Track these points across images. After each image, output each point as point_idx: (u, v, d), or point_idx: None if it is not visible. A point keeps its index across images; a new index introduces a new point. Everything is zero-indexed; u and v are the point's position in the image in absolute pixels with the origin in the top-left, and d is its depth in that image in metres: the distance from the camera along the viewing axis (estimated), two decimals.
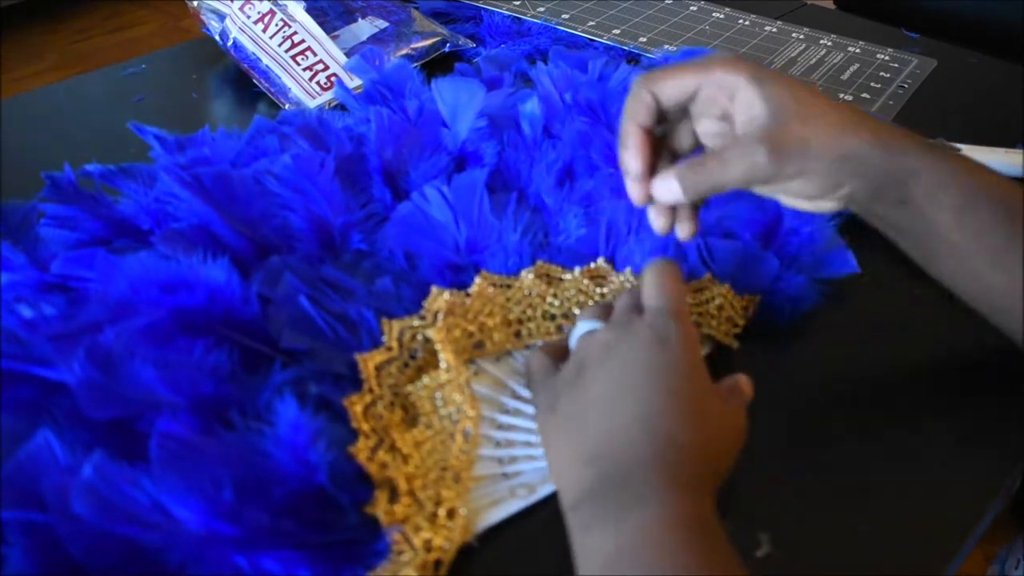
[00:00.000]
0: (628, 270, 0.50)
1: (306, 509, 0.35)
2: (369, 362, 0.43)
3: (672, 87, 0.43)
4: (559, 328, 0.47)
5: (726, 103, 0.42)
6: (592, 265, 0.50)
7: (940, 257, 0.42)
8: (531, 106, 0.61)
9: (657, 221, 0.45)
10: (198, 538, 0.33)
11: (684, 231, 0.45)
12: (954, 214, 0.41)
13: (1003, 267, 0.41)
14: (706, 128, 0.45)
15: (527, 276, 0.49)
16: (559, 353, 0.43)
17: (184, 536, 0.33)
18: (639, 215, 0.53)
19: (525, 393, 0.44)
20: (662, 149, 0.45)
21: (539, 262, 0.50)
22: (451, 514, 0.38)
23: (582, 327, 0.42)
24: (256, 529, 0.34)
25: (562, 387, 0.40)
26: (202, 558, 0.33)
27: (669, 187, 0.42)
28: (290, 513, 0.35)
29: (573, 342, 0.42)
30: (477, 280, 0.48)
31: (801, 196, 0.43)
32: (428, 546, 0.36)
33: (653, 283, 0.41)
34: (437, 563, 0.36)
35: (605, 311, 0.43)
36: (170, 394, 0.38)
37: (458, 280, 0.49)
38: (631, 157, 0.43)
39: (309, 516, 0.35)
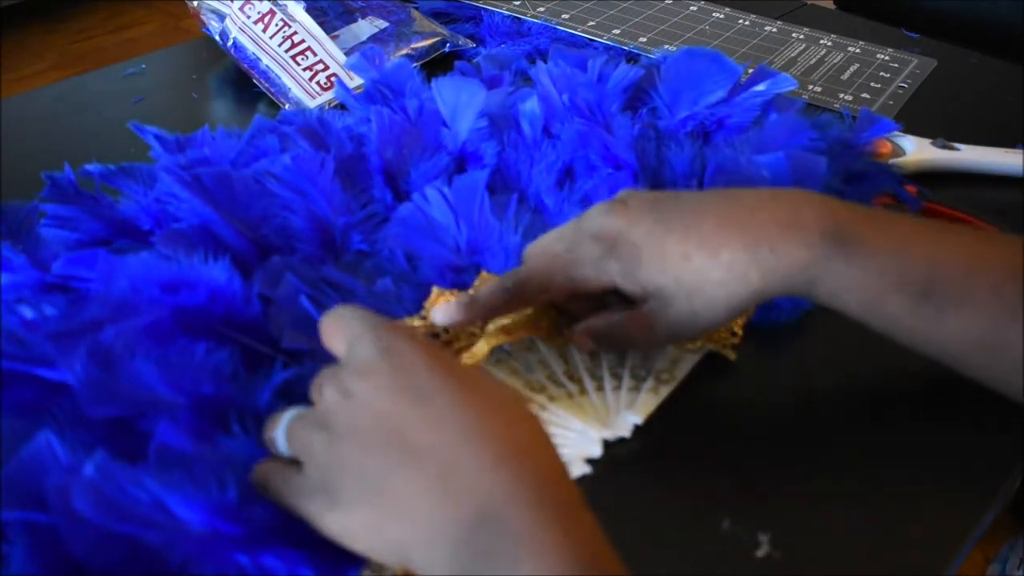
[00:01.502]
0: None
1: None
2: None
3: (550, 297, 0.44)
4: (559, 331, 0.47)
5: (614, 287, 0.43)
6: None
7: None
8: (531, 105, 0.61)
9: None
10: (200, 537, 0.33)
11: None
12: (862, 311, 0.41)
13: (930, 344, 0.41)
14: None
15: None
16: (274, 460, 0.36)
17: (186, 535, 0.33)
18: None
19: (528, 392, 0.45)
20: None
21: None
22: None
23: (287, 417, 0.35)
24: (258, 528, 0.34)
25: (323, 473, 0.33)
26: (204, 556, 0.33)
27: (583, 342, 0.44)
28: (290, 512, 0.35)
29: (282, 441, 0.35)
30: (476, 283, 0.48)
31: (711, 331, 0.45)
32: None
33: (327, 331, 0.36)
34: None
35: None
36: (171, 394, 0.38)
37: (459, 281, 0.49)
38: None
39: None
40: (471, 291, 0.47)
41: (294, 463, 0.34)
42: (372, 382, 0.33)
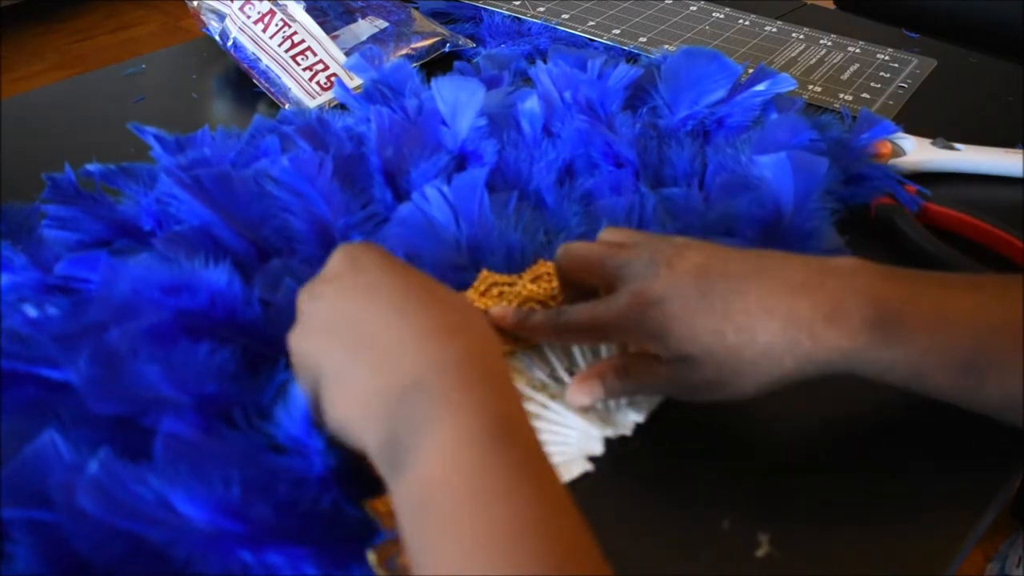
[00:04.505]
0: None
1: (310, 505, 0.36)
2: None
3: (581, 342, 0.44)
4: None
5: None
6: None
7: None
8: (531, 104, 0.61)
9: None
10: (204, 534, 0.33)
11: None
12: (905, 387, 0.40)
13: (974, 406, 0.40)
14: None
15: (527, 278, 0.49)
16: None
17: (190, 532, 0.33)
18: (639, 212, 0.53)
19: (530, 390, 0.45)
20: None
21: (540, 260, 0.50)
22: None
23: None
24: (262, 525, 0.34)
25: (305, 367, 0.38)
26: (208, 553, 0.33)
27: (591, 390, 0.43)
28: (295, 510, 0.35)
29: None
30: (476, 282, 0.48)
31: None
32: None
33: None
34: None
35: None
36: (174, 393, 0.38)
37: (460, 279, 0.49)
38: None
39: (314, 512, 0.35)
40: (470, 291, 0.47)
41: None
42: (336, 284, 0.38)
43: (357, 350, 0.35)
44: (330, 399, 0.36)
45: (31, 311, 0.42)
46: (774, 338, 0.39)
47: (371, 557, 0.35)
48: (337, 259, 0.39)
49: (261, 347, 0.43)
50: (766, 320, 0.39)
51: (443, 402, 0.32)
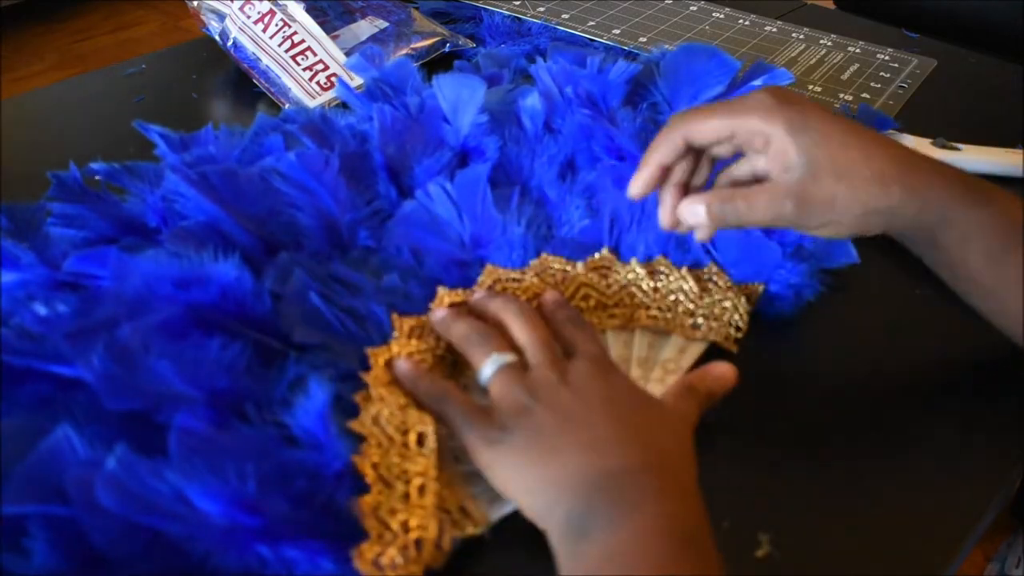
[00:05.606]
0: (634, 260, 0.50)
1: (326, 499, 0.36)
2: (380, 356, 0.43)
3: (706, 132, 0.44)
4: None
5: (760, 147, 0.43)
6: (596, 256, 0.50)
7: (972, 295, 0.43)
8: (532, 101, 0.61)
9: (666, 218, 0.47)
10: (220, 528, 0.33)
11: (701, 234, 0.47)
12: (986, 259, 0.41)
13: (1000, 292, 0.41)
14: (739, 170, 0.46)
15: (530, 273, 0.49)
16: (464, 394, 0.41)
17: (207, 526, 0.33)
18: (642, 205, 0.53)
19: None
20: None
21: (543, 255, 0.50)
22: (422, 491, 0.37)
23: (495, 360, 0.41)
24: (277, 519, 0.34)
25: (508, 420, 0.39)
26: (226, 548, 0.33)
27: (695, 211, 0.44)
28: (311, 504, 0.35)
29: (487, 377, 0.41)
30: (481, 277, 0.48)
31: (829, 236, 0.44)
32: (405, 527, 0.36)
33: (580, 331, 0.43)
34: (418, 543, 0.36)
35: (494, 341, 0.42)
36: (187, 388, 0.38)
37: (464, 275, 0.49)
38: (637, 185, 0.46)
39: (331, 507, 0.35)
40: (476, 287, 0.48)
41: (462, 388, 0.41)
42: (591, 383, 0.39)
43: (574, 432, 0.37)
44: (521, 459, 0.37)
45: (41, 309, 0.42)
46: (887, 164, 0.42)
47: (356, 557, 0.35)
48: (591, 358, 0.41)
49: (271, 340, 0.43)
50: (880, 150, 0.42)
51: (650, 492, 0.35)
